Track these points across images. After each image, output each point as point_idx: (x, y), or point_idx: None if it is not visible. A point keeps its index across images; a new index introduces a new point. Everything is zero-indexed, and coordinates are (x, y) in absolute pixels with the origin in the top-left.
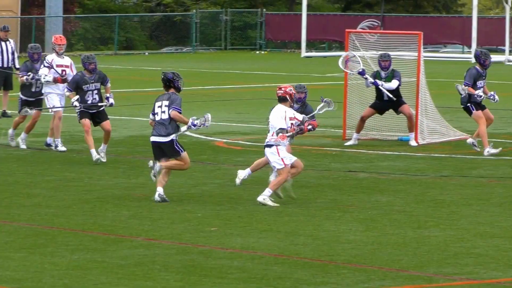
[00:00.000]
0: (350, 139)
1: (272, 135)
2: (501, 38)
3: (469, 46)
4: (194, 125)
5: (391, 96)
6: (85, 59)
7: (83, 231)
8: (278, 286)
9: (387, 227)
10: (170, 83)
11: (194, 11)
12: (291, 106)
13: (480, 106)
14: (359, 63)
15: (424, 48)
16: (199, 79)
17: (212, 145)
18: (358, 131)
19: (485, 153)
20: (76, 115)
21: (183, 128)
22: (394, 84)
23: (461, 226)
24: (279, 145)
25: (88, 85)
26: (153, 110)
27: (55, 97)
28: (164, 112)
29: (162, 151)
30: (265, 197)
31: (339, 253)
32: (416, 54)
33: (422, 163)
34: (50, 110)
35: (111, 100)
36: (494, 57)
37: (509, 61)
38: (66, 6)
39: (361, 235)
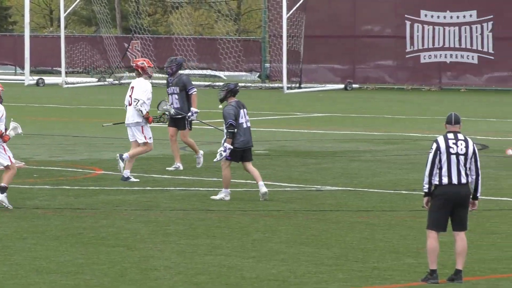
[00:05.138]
0: None
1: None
2: (57, 58)
3: (22, 67)
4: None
5: None
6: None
7: None
8: None
9: None
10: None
11: None
12: None
13: None
14: None
15: None
16: None
17: None
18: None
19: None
20: None
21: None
22: None
23: (15, 261)
24: None
25: None
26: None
27: None
28: None
29: None
30: None
31: None
32: None
33: None
34: None
35: None
36: (49, 80)
37: (66, 83)
38: None
39: None
